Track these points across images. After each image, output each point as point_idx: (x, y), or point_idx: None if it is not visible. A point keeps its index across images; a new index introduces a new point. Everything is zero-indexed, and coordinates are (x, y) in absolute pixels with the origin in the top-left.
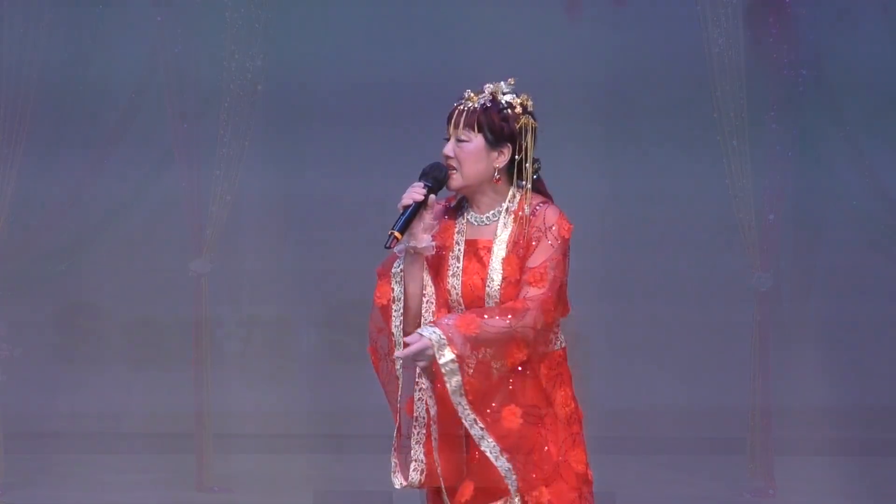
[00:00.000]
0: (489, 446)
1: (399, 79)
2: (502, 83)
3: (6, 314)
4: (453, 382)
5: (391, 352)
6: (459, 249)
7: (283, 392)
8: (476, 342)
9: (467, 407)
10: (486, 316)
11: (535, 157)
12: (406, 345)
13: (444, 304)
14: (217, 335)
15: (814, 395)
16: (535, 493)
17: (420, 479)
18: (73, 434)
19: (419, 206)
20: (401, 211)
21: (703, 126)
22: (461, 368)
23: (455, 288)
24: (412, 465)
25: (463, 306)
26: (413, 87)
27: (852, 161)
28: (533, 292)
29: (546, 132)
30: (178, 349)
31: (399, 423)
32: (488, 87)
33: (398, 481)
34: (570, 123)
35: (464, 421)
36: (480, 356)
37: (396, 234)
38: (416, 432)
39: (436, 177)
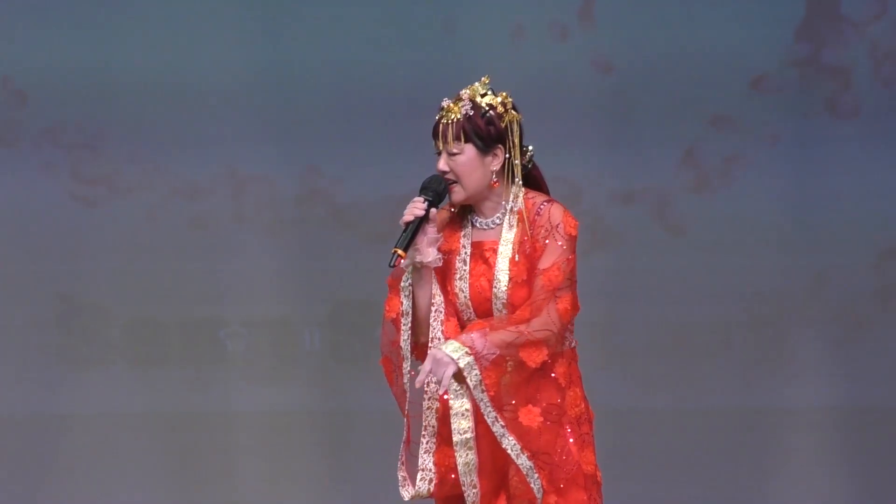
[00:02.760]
0: (510, 444)
1: (400, 79)
2: (477, 85)
3: (6, 314)
4: (473, 377)
5: (401, 364)
6: (466, 252)
7: (284, 392)
8: (490, 341)
9: (488, 403)
10: (496, 325)
11: (525, 146)
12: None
13: (453, 312)
14: (218, 335)
15: (814, 395)
16: (553, 497)
17: (428, 489)
18: (72, 434)
19: (421, 221)
20: (403, 228)
21: (704, 126)
22: (477, 362)
23: (463, 291)
24: (419, 475)
25: (471, 309)
26: (414, 88)
27: (853, 161)
28: (547, 295)
29: (548, 132)
30: (178, 349)
31: (408, 435)
32: (465, 93)
33: (407, 493)
34: (571, 124)
35: (486, 418)
36: (497, 352)
37: (400, 252)
38: (424, 442)
39: (435, 189)
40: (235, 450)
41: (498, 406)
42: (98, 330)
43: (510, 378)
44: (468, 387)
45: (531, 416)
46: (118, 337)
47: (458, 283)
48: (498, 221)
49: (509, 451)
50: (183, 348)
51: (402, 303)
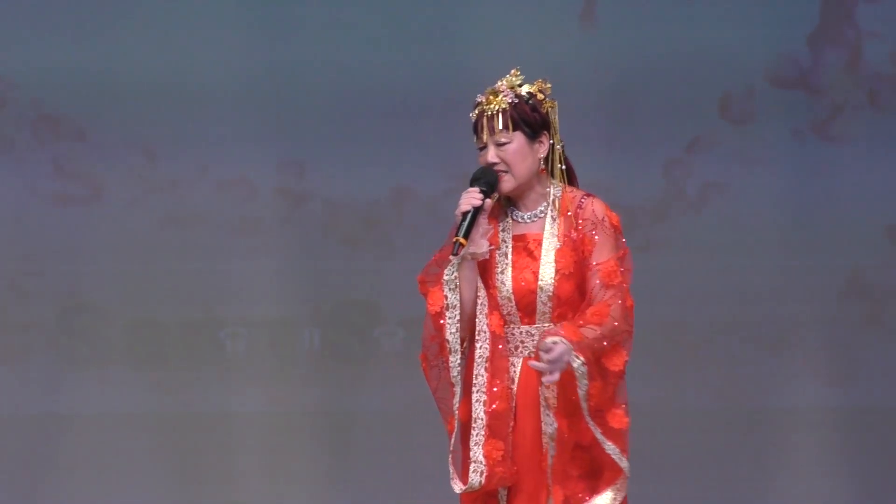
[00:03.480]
0: (611, 449)
1: (401, 79)
2: (511, 78)
3: (6, 314)
4: (583, 386)
5: (447, 358)
6: (507, 246)
7: (284, 392)
8: (588, 349)
9: (587, 413)
10: (585, 327)
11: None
12: (536, 356)
13: (495, 306)
14: (217, 335)
15: (814, 395)
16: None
17: (480, 481)
18: (72, 434)
19: (477, 212)
20: (459, 218)
21: (704, 126)
22: (588, 373)
23: (504, 284)
24: (472, 467)
25: (513, 303)
26: (415, 88)
27: (853, 161)
28: (614, 293)
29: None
30: (177, 349)
31: (455, 429)
32: (502, 85)
33: (458, 486)
34: (572, 124)
35: (589, 424)
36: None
37: (462, 240)
38: (474, 433)
39: (488, 181)
40: (235, 450)
41: (594, 414)
42: (98, 330)
43: (598, 385)
44: (579, 397)
45: (618, 418)
46: (118, 337)
47: (499, 276)
48: (541, 214)
49: (612, 456)
50: (183, 348)
51: (446, 296)
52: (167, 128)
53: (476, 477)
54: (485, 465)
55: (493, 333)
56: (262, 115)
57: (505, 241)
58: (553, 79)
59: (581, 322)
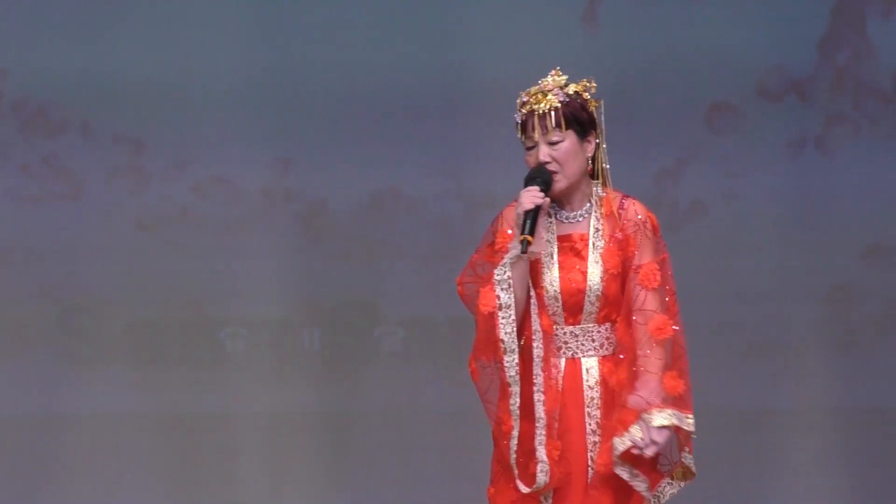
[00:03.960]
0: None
1: (400, 80)
2: (556, 77)
3: (6, 314)
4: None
5: (502, 358)
6: (552, 246)
7: (283, 392)
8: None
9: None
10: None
11: None
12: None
13: (543, 306)
14: (217, 335)
15: (814, 395)
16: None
17: (546, 480)
18: (72, 434)
19: (538, 210)
20: (522, 216)
21: (705, 127)
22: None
23: (552, 284)
24: (539, 467)
25: (560, 303)
26: (415, 88)
27: (853, 161)
28: (653, 295)
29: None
30: (177, 349)
31: (513, 429)
32: (548, 84)
33: (524, 488)
34: None
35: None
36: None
37: (530, 238)
38: (537, 433)
39: (545, 180)
40: (235, 450)
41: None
42: (98, 330)
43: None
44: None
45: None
46: (118, 337)
47: (546, 276)
48: (585, 213)
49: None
50: (183, 348)
51: (499, 296)
52: (167, 127)
53: (543, 477)
54: (548, 465)
55: (545, 332)
56: (263, 115)
57: (549, 241)
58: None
59: (643, 367)
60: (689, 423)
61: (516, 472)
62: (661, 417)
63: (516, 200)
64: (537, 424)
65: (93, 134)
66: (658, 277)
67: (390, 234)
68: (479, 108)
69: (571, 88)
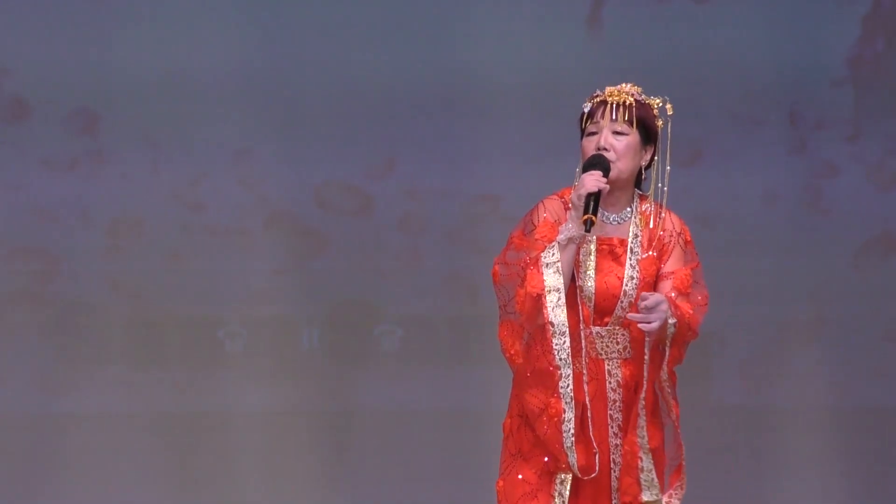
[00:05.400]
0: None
1: (400, 80)
2: (634, 87)
3: (5, 314)
4: (668, 349)
5: (550, 340)
6: (591, 246)
7: (283, 392)
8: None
9: (666, 381)
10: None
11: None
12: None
13: (583, 300)
14: (216, 335)
15: (814, 395)
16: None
17: (597, 467)
18: (72, 434)
19: (600, 194)
20: (584, 197)
21: (707, 127)
22: (674, 337)
23: (587, 284)
24: (596, 457)
25: (592, 304)
26: (414, 88)
27: (853, 161)
28: (684, 299)
29: (550, 133)
30: (176, 349)
31: (564, 412)
32: (626, 87)
33: (580, 474)
34: (573, 125)
35: (660, 393)
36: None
37: (594, 218)
38: (589, 424)
39: (605, 167)
40: (234, 449)
41: (672, 382)
42: (97, 330)
43: (675, 355)
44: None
45: (676, 406)
46: (117, 337)
47: (582, 275)
48: (626, 217)
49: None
50: (182, 348)
51: (546, 279)
52: (167, 127)
53: (598, 466)
54: (597, 449)
55: (586, 324)
56: (262, 115)
57: (589, 241)
58: (557, 81)
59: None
60: (671, 321)
61: (573, 457)
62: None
63: (556, 194)
64: (588, 414)
65: (92, 133)
66: (690, 284)
67: (389, 233)
68: (481, 108)
69: (647, 99)
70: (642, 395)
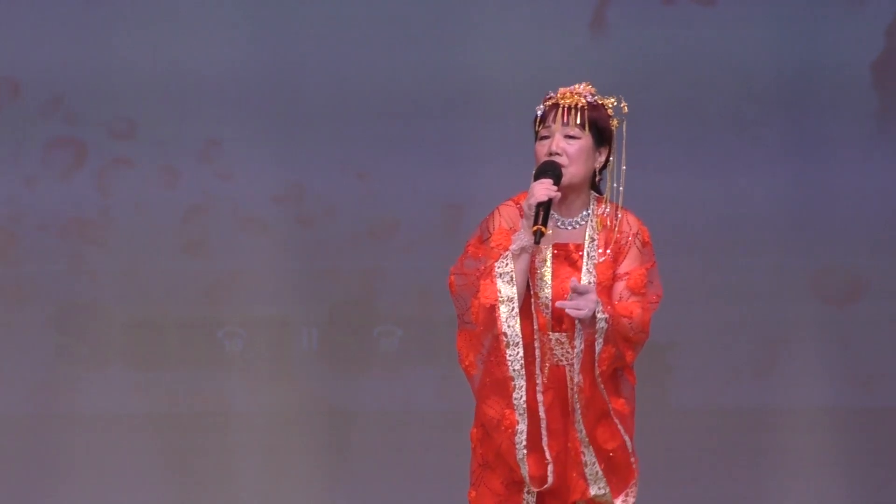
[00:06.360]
0: (619, 426)
1: (399, 80)
2: (588, 86)
3: (5, 314)
4: (599, 343)
5: (503, 352)
6: (547, 253)
7: (282, 392)
8: (612, 315)
9: (598, 376)
10: (617, 307)
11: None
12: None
13: (538, 307)
14: (216, 335)
15: (814, 395)
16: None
17: (552, 480)
18: (71, 434)
19: (550, 203)
20: (534, 207)
21: (704, 126)
22: (607, 333)
23: (544, 291)
24: (549, 468)
25: (549, 310)
26: (413, 89)
27: (853, 161)
28: (636, 300)
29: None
30: (176, 349)
31: (519, 423)
32: (581, 88)
33: (532, 487)
34: None
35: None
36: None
37: (544, 229)
38: (543, 433)
39: (557, 175)
40: (233, 450)
41: (606, 381)
42: (96, 330)
43: (611, 352)
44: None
45: (620, 403)
46: (116, 337)
47: (539, 283)
48: (582, 222)
49: (618, 424)
50: (181, 348)
51: (500, 290)
52: (166, 127)
53: (551, 477)
54: (553, 465)
55: (542, 332)
56: (261, 115)
57: (544, 247)
58: (560, 83)
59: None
60: (601, 319)
61: (526, 469)
62: (597, 299)
63: (511, 199)
64: (541, 424)
65: (91, 133)
66: (645, 285)
67: (389, 233)
68: (483, 109)
69: (600, 99)
70: (575, 388)
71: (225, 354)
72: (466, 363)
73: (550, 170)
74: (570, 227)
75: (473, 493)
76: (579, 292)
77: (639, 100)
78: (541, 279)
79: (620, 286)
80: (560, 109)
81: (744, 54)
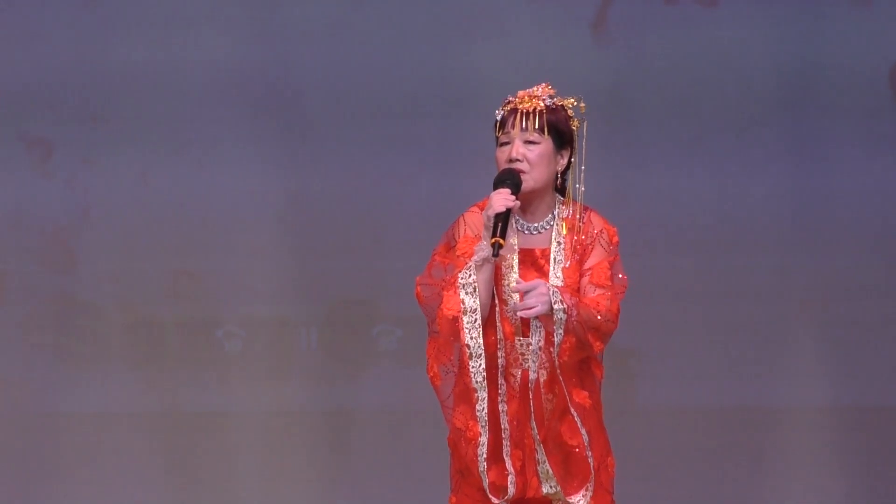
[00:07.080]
0: (576, 417)
1: (399, 80)
2: (546, 87)
3: (5, 314)
4: (558, 335)
5: (466, 363)
6: (513, 260)
7: (281, 392)
8: (571, 305)
9: (558, 367)
10: (581, 298)
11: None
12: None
13: (504, 315)
14: (215, 335)
15: (814, 395)
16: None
17: (514, 491)
18: (71, 434)
19: (509, 213)
20: (493, 218)
21: (704, 126)
22: (566, 324)
23: (512, 297)
24: (509, 479)
25: (517, 317)
26: (413, 89)
27: (853, 160)
28: (601, 292)
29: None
30: (175, 349)
31: (481, 436)
32: (539, 91)
33: (494, 499)
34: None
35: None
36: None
37: (502, 241)
38: (504, 444)
39: (516, 183)
40: (233, 449)
41: (565, 374)
42: (96, 330)
43: (572, 342)
44: (554, 345)
45: (582, 396)
46: (116, 337)
47: (506, 288)
48: (547, 226)
49: (575, 418)
50: (180, 348)
51: (463, 301)
52: (165, 127)
53: (512, 488)
54: (516, 476)
55: (507, 341)
56: (259, 115)
57: (513, 245)
58: (562, 84)
59: (581, 296)
60: (559, 310)
61: (487, 480)
62: (554, 292)
63: (476, 205)
64: (503, 434)
65: (90, 132)
66: (608, 277)
67: (388, 233)
68: (483, 109)
69: (559, 101)
70: (531, 385)
71: (224, 354)
72: (431, 374)
73: (509, 178)
74: (535, 232)
75: (454, 499)
76: (527, 290)
77: (639, 100)
78: (508, 286)
79: (585, 282)
80: (518, 114)
81: (744, 55)
